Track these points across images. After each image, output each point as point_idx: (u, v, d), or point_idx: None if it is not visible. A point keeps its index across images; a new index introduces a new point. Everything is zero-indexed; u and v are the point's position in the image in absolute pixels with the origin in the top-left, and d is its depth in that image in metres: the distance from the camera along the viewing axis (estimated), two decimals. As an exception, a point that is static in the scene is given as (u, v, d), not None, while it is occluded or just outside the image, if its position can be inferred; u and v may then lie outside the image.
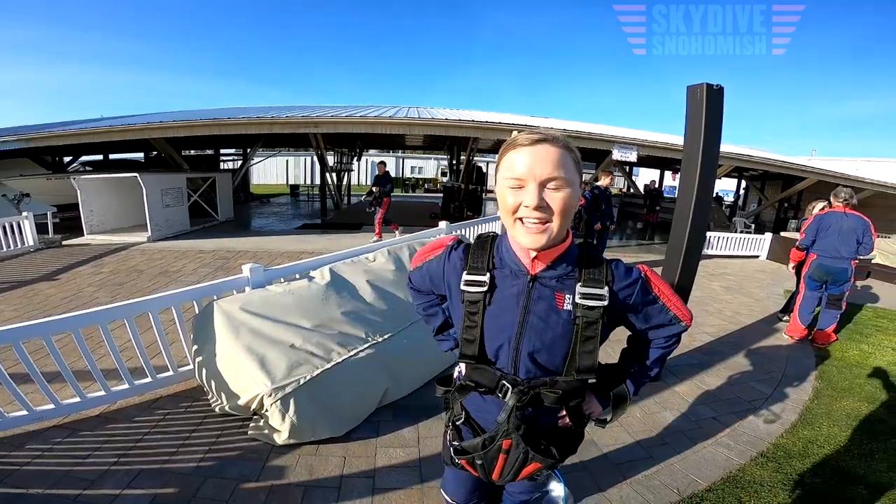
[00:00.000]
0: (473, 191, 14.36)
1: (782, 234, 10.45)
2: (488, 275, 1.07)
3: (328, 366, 2.77)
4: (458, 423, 1.23)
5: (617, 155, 9.37)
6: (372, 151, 32.94)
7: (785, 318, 5.28)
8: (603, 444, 2.68)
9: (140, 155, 17.99)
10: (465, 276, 1.10)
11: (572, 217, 1.00)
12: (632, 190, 19.99)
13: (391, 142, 21.71)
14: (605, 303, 1.02)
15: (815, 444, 2.79)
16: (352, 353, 2.93)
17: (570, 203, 0.95)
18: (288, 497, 2.17)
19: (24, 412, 2.58)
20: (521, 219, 0.96)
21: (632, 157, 9.44)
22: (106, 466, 2.32)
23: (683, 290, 3.32)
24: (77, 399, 2.72)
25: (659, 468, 2.50)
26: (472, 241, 1.18)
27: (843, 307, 4.53)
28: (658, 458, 2.58)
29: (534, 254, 1.01)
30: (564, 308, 1.03)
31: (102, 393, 2.80)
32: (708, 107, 3.05)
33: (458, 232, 6.02)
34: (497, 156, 1.03)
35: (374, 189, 9.25)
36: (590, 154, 16.35)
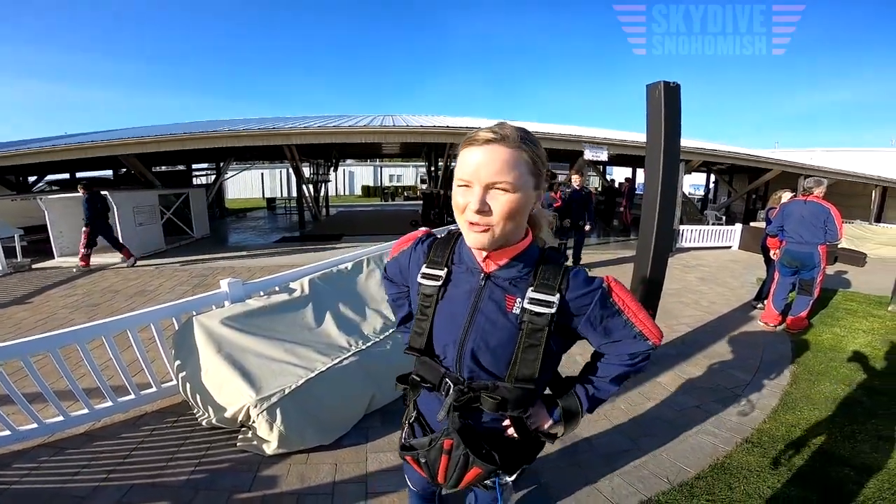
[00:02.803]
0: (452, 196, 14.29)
1: (752, 224, 10.80)
2: (446, 269, 1.06)
3: (312, 375, 2.76)
4: (411, 421, 1.21)
5: (588, 155, 9.58)
6: (350, 161, 32.76)
7: (759, 306, 5.46)
8: (591, 437, 2.73)
9: (109, 172, 17.55)
10: (423, 269, 1.09)
11: (522, 219, 0.96)
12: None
13: (368, 150, 21.69)
14: (553, 311, 0.97)
15: (797, 429, 2.84)
16: (335, 361, 2.94)
17: (515, 207, 0.89)
18: (281, 506, 2.16)
19: (8, 432, 2.53)
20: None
21: (602, 156, 9.68)
22: (96, 483, 2.28)
23: (655, 283, 3.42)
24: (61, 418, 2.67)
25: (647, 458, 2.53)
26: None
27: (816, 293, 4.63)
28: (645, 449, 2.62)
29: (485, 252, 0.98)
30: (513, 311, 0.99)
31: (86, 411, 2.75)
32: (666, 104, 3.18)
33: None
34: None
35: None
36: (563, 155, 16.63)
